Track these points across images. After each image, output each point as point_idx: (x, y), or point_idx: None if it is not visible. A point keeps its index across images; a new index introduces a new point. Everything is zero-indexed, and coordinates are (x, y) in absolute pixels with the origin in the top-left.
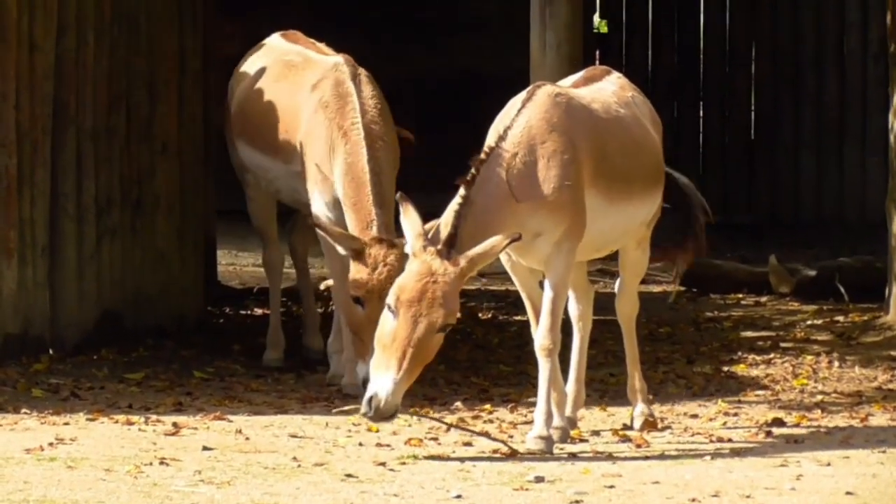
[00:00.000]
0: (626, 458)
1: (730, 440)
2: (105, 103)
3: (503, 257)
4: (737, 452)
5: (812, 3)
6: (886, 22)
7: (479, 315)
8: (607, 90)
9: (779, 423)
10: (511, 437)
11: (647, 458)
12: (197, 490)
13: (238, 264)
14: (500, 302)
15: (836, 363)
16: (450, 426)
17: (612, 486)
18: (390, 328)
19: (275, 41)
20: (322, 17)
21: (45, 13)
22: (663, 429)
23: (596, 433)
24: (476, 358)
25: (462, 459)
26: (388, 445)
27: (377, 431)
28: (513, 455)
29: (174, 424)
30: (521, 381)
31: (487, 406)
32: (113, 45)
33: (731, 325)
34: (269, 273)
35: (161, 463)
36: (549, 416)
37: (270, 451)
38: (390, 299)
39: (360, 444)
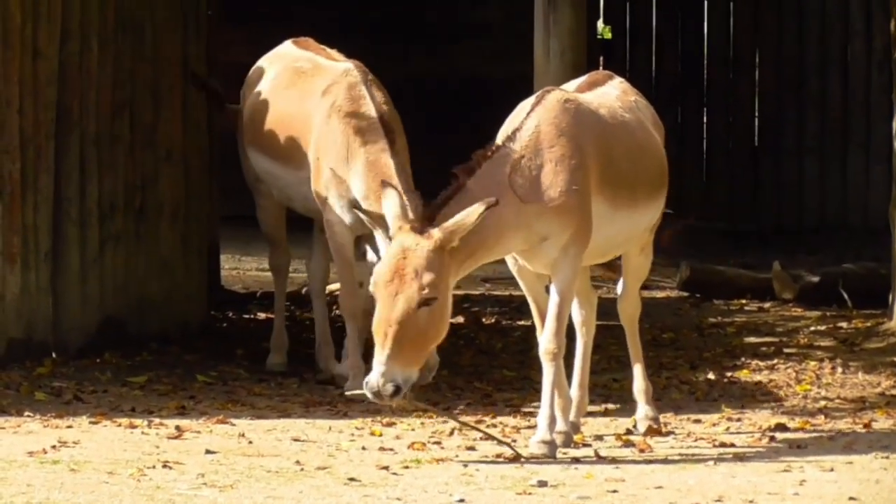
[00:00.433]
0: (629, 463)
1: (733, 445)
2: (109, 109)
3: (510, 261)
4: (740, 458)
5: (816, 11)
6: (890, 30)
7: (483, 320)
8: (611, 94)
9: (782, 428)
10: (514, 441)
11: (650, 462)
12: (200, 493)
13: (241, 269)
14: (504, 307)
15: (840, 369)
16: (475, 427)
17: (615, 491)
18: (375, 313)
19: (286, 48)
20: (325, 22)
21: (48, 19)
22: (666, 434)
23: (599, 438)
24: (479, 363)
25: (465, 463)
26: (391, 449)
27: (380, 435)
28: (517, 459)
29: (177, 428)
30: (525, 386)
31: (491, 411)
32: (117, 52)
33: (735, 331)
34: (275, 276)
35: (164, 466)
36: (553, 420)
37: (273, 455)
38: (370, 286)
39: (363, 448)
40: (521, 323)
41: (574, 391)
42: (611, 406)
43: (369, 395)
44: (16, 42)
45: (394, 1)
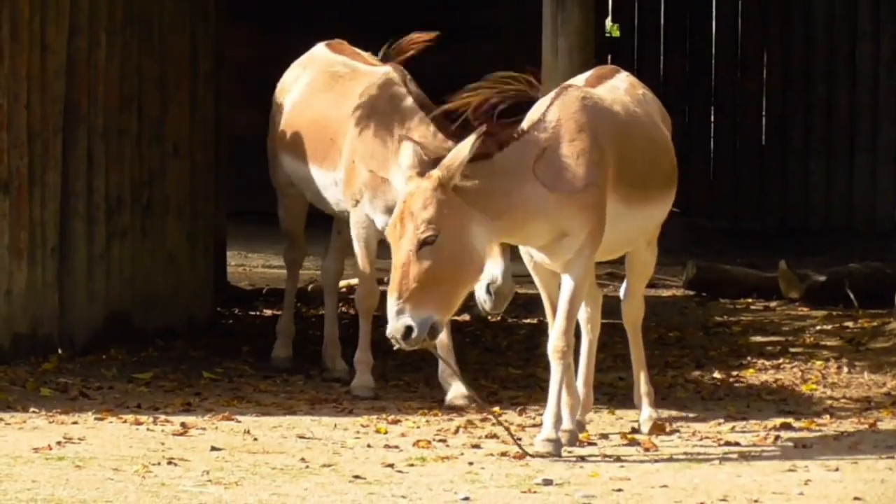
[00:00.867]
0: (634, 462)
1: (738, 444)
2: (116, 104)
3: (525, 258)
4: (745, 457)
5: (824, 13)
6: None
7: (489, 318)
8: (620, 88)
9: (787, 427)
10: (520, 439)
11: (655, 461)
12: (205, 490)
13: (248, 265)
14: (510, 305)
15: (845, 369)
16: (499, 424)
17: (620, 490)
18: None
19: (320, 52)
20: (333, 22)
21: (57, 14)
22: (672, 433)
23: (604, 437)
24: (485, 361)
25: (471, 461)
26: (396, 447)
27: (386, 433)
28: (522, 457)
29: (182, 425)
30: (530, 384)
31: (496, 409)
32: (125, 47)
33: (741, 330)
34: (289, 269)
35: (169, 463)
36: (559, 418)
37: (279, 452)
38: (385, 236)
39: (369, 446)
40: (527, 321)
41: (579, 389)
42: (616, 405)
43: (392, 342)
44: (24, 36)
45: (402, 2)
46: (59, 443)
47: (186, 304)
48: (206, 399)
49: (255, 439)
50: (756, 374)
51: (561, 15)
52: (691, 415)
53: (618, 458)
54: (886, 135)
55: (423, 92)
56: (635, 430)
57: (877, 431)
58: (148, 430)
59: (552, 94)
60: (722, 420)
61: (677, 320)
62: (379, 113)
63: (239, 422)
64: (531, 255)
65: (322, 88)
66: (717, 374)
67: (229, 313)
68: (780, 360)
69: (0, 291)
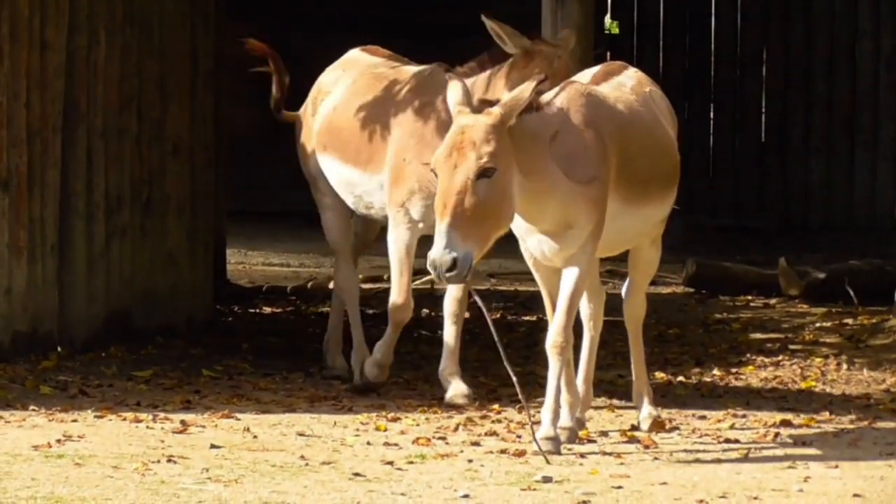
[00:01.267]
0: (634, 459)
1: (738, 442)
2: (116, 103)
3: (526, 255)
4: (745, 454)
5: (824, 9)
6: None
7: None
8: (626, 85)
9: (787, 424)
10: (519, 437)
11: (655, 459)
12: (204, 488)
13: (247, 263)
14: (510, 302)
15: (845, 366)
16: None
17: (619, 487)
18: (437, 190)
19: (356, 55)
20: (333, 20)
21: (56, 12)
22: (671, 430)
23: (604, 434)
24: (485, 358)
25: (470, 459)
26: (396, 444)
27: (385, 430)
28: (521, 455)
29: (182, 422)
30: (530, 382)
31: (496, 406)
32: (125, 46)
33: (740, 327)
34: (344, 295)
35: (169, 461)
36: (557, 415)
37: (278, 450)
38: (431, 164)
39: (368, 443)
40: (527, 318)
41: (579, 386)
42: (616, 402)
43: (431, 271)
44: (23, 35)
45: (402, 0)
46: (58, 440)
47: (186, 303)
48: (206, 397)
49: (255, 437)
50: (756, 372)
51: (560, 12)
52: (691, 412)
53: (618, 456)
54: (886, 132)
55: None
56: (635, 428)
57: (876, 428)
58: (147, 427)
59: (556, 88)
60: (721, 417)
61: (677, 317)
62: (428, 105)
63: (238, 419)
64: (532, 253)
65: (366, 90)
66: (716, 372)
67: (229, 311)
68: (780, 358)
69: (0, 289)
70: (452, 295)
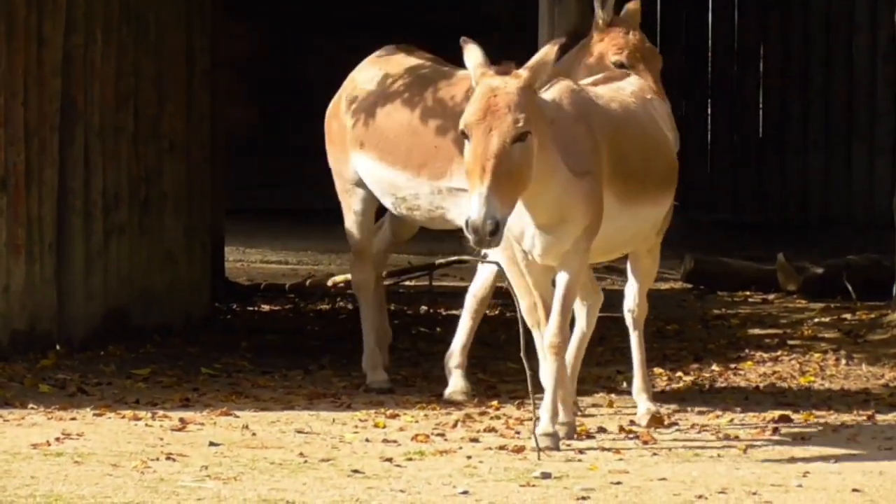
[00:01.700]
0: (633, 455)
1: (737, 437)
2: (113, 101)
3: (518, 255)
4: (744, 449)
5: (821, 4)
6: (895, 23)
7: (487, 312)
8: (626, 90)
9: (786, 420)
10: (518, 433)
11: (654, 454)
12: (203, 485)
13: (246, 261)
14: (507, 299)
15: (844, 361)
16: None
17: (618, 483)
18: (468, 152)
19: (394, 54)
20: (331, 19)
21: (53, 10)
22: (670, 425)
23: (603, 430)
24: (483, 355)
25: (469, 455)
26: (394, 441)
27: (384, 427)
28: (520, 451)
29: (181, 420)
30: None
31: (494, 402)
32: (121, 44)
33: (739, 323)
34: (361, 294)
35: (168, 458)
36: (556, 412)
37: (277, 447)
38: (461, 126)
39: (367, 441)
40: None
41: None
42: (615, 398)
43: (470, 237)
44: (20, 33)
45: None
46: (57, 439)
47: (184, 300)
48: (205, 394)
49: (254, 434)
50: (754, 367)
51: (558, 8)
52: (690, 407)
53: (616, 451)
54: (884, 126)
55: None
56: (634, 423)
57: (875, 423)
58: (146, 425)
59: (546, 85)
60: (720, 413)
61: (676, 313)
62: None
63: (237, 417)
64: (524, 252)
65: (412, 91)
66: (715, 367)
67: (227, 309)
68: (779, 353)
69: None
70: (474, 293)
